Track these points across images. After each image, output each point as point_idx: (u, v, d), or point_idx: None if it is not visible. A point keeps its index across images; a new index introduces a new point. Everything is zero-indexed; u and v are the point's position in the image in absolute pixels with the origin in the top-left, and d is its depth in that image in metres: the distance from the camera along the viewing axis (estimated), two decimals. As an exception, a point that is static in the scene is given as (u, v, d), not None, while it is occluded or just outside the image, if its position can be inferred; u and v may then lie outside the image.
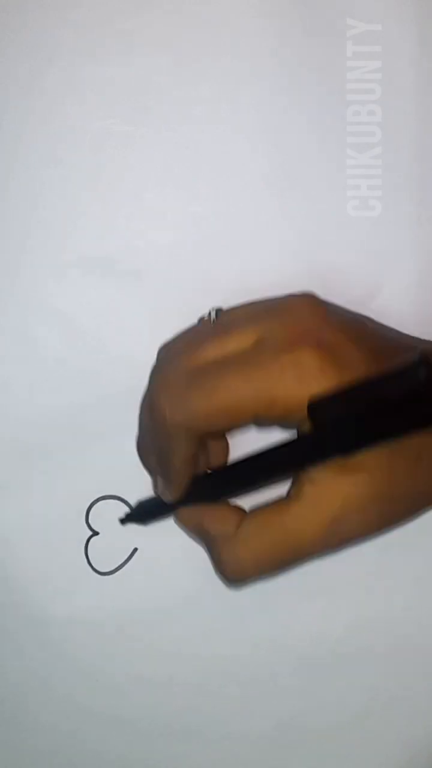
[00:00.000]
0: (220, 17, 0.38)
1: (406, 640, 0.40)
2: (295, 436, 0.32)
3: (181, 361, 0.33)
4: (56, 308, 0.39)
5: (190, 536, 0.37)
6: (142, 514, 0.38)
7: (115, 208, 0.39)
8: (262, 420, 0.31)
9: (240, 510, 0.34)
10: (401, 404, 0.28)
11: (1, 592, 0.40)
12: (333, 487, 0.31)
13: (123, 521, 0.39)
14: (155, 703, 0.40)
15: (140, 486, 0.38)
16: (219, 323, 0.34)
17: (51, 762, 0.40)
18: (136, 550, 0.40)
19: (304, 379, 0.30)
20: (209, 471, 0.36)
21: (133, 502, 0.39)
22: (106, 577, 0.40)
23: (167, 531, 0.38)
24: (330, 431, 0.30)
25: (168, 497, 0.35)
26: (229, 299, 0.39)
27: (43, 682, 0.40)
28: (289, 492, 0.33)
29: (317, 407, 0.30)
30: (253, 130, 0.38)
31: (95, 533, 0.39)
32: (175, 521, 0.37)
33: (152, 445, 0.35)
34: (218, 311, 0.36)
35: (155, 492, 0.36)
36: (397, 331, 0.36)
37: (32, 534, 0.39)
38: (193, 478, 0.35)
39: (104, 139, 0.38)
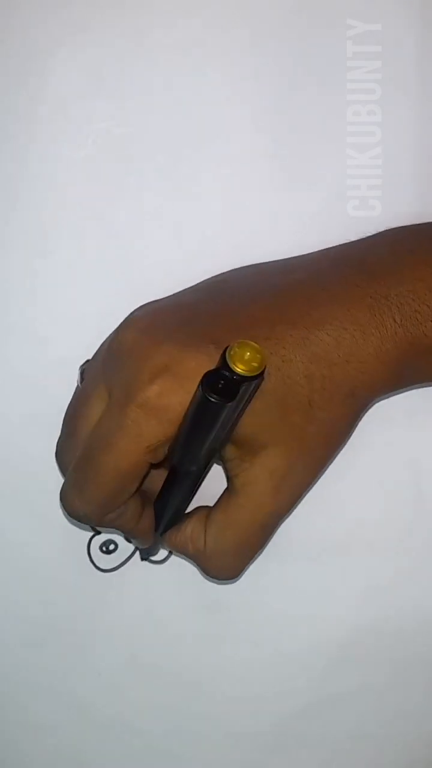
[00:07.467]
0: (221, 18, 0.38)
1: (406, 641, 0.40)
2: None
3: (67, 454, 0.34)
4: (57, 310, 0.39)
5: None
6: (150, 548, 0.39)
7: (116, 209, 0.39)
8: (159, 461, 0.32)
9: (203, 518, 0.36)
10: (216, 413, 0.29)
11: (3, 592, 0.40)
12: (256, 470, 0.33)
13: (143, 559, 0.40)
14: (156, 705, 0.40)
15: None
16: (83, 386, 0.35)
17: (52, 763, 0.41)
18: (137, 549, 0.40)
19: (162, 418, 0.31)
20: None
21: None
22: (107, 574, 0.40)
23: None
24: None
25: (144, 545, 0.38)
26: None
27: (43, 680, 0.40)
28: (228, 487, 0.34)
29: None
30: (253, 130, 0.38)
31: (97, 532, 0.40)
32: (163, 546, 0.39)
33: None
34: (83, 370, 0.36)
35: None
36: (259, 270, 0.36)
37: (35, 535, 0.40)
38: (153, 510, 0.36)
39: (104, 139, 0.38)
